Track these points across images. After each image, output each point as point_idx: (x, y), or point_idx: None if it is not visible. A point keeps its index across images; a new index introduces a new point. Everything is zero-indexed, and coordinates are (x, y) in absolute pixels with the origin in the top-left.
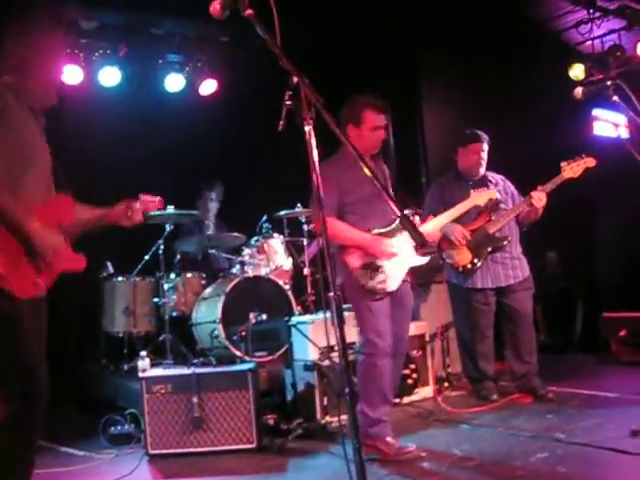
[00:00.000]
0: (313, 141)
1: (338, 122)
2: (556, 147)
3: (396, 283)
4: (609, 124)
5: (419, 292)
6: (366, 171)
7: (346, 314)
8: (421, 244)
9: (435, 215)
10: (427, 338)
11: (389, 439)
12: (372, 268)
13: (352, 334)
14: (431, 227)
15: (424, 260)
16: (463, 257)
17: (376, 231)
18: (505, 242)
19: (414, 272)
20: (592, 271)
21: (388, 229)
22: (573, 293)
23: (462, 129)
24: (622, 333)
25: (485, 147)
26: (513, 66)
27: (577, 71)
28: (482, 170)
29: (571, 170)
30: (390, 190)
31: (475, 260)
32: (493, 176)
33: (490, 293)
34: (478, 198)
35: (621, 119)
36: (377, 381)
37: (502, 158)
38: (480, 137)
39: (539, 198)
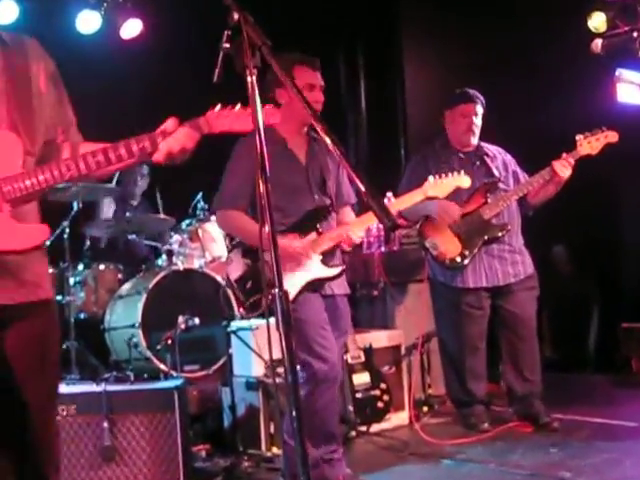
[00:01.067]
0: (257, 96)
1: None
2: (570, 116)
3: (292, 295)
4: (635, 88)
5: (393, 293)
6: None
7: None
8: (391, 227)
9: None
10: (403, 351)
11: None
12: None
13: None
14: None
15: (331, 273)
16: (450, 248)
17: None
18: (504, 231)
19: (389, 266)
20: (610, 271)
21: (292, 228)
22: (586, 297)
23: (451, 89)
24: None
25: (479, 110)
26: (517, 14)
27: (597, 21)
28: (474, 139)
29: (589, 145)
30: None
31: (466, 252)
32: (489, 148)
33: (484, 294)
34: (437, 187)
35: None
36: (318, 414)
37: (501, 130)
38: (472, 97)
39: (564, 166)
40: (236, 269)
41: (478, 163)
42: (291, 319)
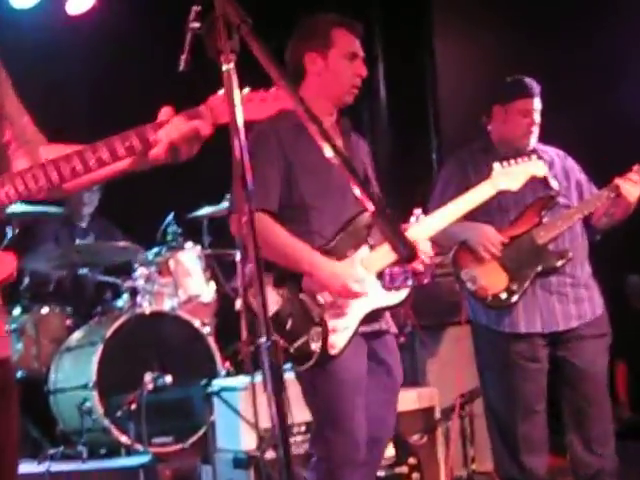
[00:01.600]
0: (236, 88)
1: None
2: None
3: (345, 340)
4: None
5: (424, 339)
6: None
7: (291, 376)
8: (407, 257)
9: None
10: (437, 415)
11: None
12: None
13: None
14: (423, 229)
15: (395, 299)
16: (494, 280)
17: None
18: (564, 259)
19: (419, 305)
20: None
21: (333, 244)
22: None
23: (496, 79)
24: None
25: (538, 105)
26: None
27: None
28: (534, 141)
29: None
30: (363, 173)
31: (514, 286)
32: (545, 150)
33: (540, 342)
34: (508, 176)
35: None
36: None
37: (557, 127)
38: (531, 89)
39: (633, 183)
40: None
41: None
42: (283, 375)
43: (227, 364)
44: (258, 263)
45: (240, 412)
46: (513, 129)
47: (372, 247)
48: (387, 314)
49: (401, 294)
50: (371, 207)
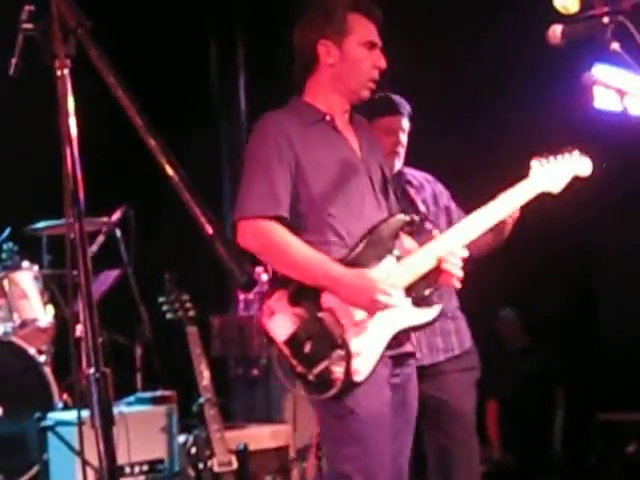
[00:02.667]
0: (70, 96)
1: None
2: (531, 130)
3: (371, 364)
4: (611, 91)
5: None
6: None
7: (123, 410)
8: (245, 285)
9: None
10: (292, 454)
11: None
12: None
13: (153, 446)
14: (460, 234)
15: (426, 317)
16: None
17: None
18: (431, 289)
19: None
20: (580, 345)
21: (354, 255)
22: (548, 381)
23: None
24: (631, 449)
25: (406, 124)
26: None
27: (567, 0)
28: (399, 163)
29: None
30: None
31: None
32: (413, 175)
33: None
34: (549, 176)
35: (631, 82)
36: None
37: (435, 148)
38: (398, 107)
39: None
40: (282, 324)
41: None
42: (112, 409)
43: (64, 396)
44: (87, 284)
45: (76, 449)
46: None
47: (398, 258)
48: (412, 335)
49: (433, 311)
50: (209, 229)
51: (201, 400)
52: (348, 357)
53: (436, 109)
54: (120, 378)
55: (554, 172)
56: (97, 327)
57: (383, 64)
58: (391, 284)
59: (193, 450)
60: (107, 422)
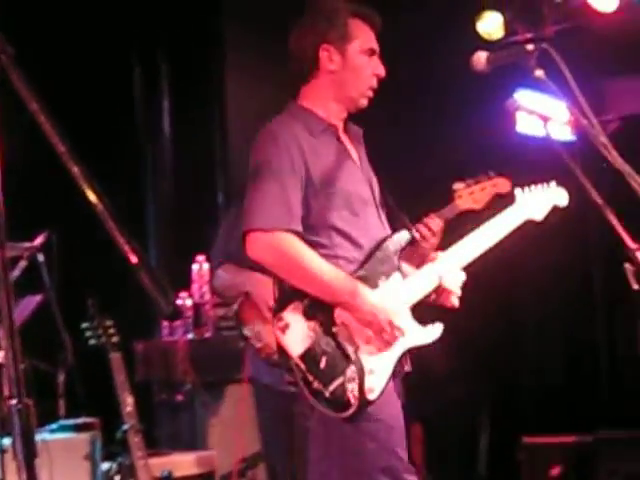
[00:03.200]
0: None
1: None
2: (452, 154)
3: (383, 382)
4: (534, 117)
5: (205, 398)
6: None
7: (45, 437)
8: (169, 314)
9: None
10: None
11: None
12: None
13: (76, 474)
14: (452, 260)
15: (431, 337)
16: None
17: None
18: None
19: (199, 360)
20: (504, 366)
21: (363, 272)
22: (472, 404)
23: None
24: (555, 471)
25: None
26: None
27: (491, 25)
28: None
29: (470, 197)
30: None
31: None
32: None
33: None
34: (532, 204)
35: (554, 108)
36: None
37: None
38: None
39: (429, 229)
40: (297, 339)
41: None
42: (34, 441)
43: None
44: (8, 310)
45: None
46: None
47: (404, 275)
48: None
49: (436, 329)
50: (133, 258)
51: (125, 427)
52: (361, 374)
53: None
54: (42, 405)
55: (536, 201)
56: (19, 353)
57: (382, 72)
58: (398, 304)
59: (117, 478)
60: (29, 454)
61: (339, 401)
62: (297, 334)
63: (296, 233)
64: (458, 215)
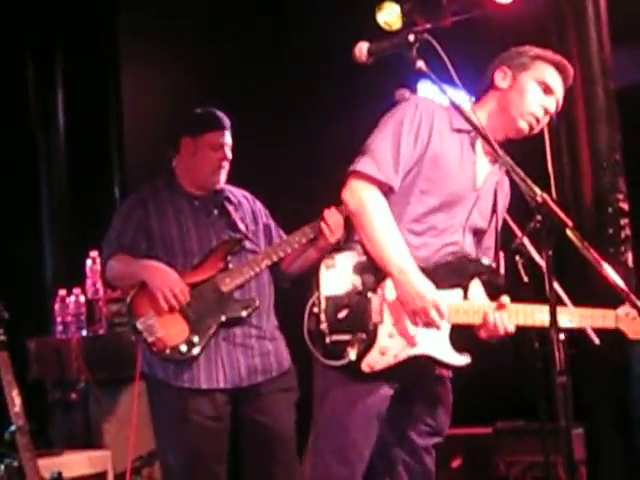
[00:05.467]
0: None
1: None
2: (346, 146)
3: (384, 365)
4: None
5: (99, 396)
6: None
7: None
8: None
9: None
10: (111, 479)
11: None
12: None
13: None
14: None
15: (455, 360)
16: (173, 331)
17: None
18: (250, 309)
19: (93, 358)
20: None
21: (432, 269)
22: None
23: (185, 111)
24: (456, 463)
25: (229, 139)
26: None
27: (389, 15)
28: (223, 178)
29: None
30: None
31: (194, 338)
32: (232, 192)
33: (222, 398)
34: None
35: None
36: None
37: (251, 166)
38: (222, 121)
39: (334, 219)
40: (334, 281)
41: (216, 212)
42: None
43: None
44: None
45: None
46: (202, 164)
47: (466, 296)
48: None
49: (463, 359)
50: None
51: (12, 428)
52: (368, 346)
53: (251, 125)
54: None
55: None
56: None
57: (551, 108)
58: (444, 313)
59: None
60: None
61: (333, 352)
62: (337, 278)
63: (381, 185)
64: None
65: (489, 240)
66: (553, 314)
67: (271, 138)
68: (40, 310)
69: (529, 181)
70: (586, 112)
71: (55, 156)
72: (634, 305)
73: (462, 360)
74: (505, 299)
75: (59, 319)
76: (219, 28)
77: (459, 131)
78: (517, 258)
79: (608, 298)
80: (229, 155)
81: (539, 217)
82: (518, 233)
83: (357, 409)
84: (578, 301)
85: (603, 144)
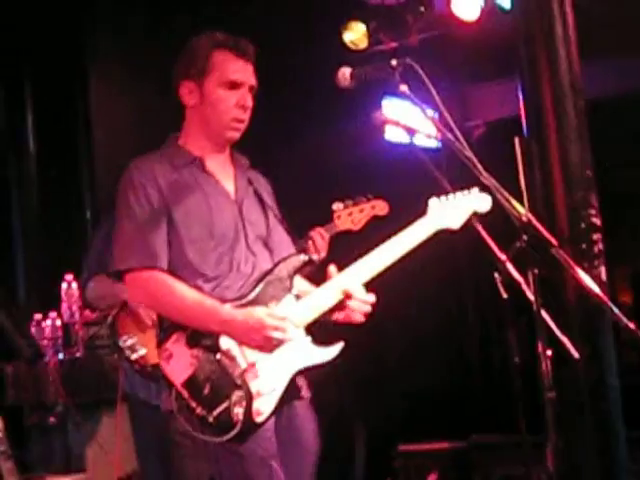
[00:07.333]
0: None
1: None
2: (323, 167)
3: (273, 404)
4: (400, 128)
5: (78, 419)
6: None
7: None
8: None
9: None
10: None
11: None
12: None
13: None
14: (356, 275)
15: (327, 355)
16: (155, 349)
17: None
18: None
19: (71, 381)
20: (372, 378)
21: (252, 297)
22: (347, 412)
23: (157, 133)
24: (432, 478)
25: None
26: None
27: (355, 34)
28: None
29: (349, 219)
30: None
31: None
32: None
33: None
34: (448, 212)
35: (420, 118)
36: None
37: None
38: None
39: (322, 238)
40: (180, 367)
41: None
42: None
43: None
44: None
45: None
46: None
47: (297, 297)
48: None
49: (333, 349)
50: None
51: None
52: (249, 398)
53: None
54: None
55: (453, 209)
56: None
57: (247, 102)
58: (289, 323)
59: None
60: None
61: (223, 425)
62: (180, 362)
63: (162, 270)
64: (336, 235)
65: (278, 235)
66: (542, 329)
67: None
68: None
69: (513, 201)
70: (557, 130)
71: (26, 180)
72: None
73: (334, 350)
74: (332, 269)
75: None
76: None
77: (184, 165)
78: (496, 275)
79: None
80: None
81: (524, 237)
82: (498, 252)
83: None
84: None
85: (574, 161)
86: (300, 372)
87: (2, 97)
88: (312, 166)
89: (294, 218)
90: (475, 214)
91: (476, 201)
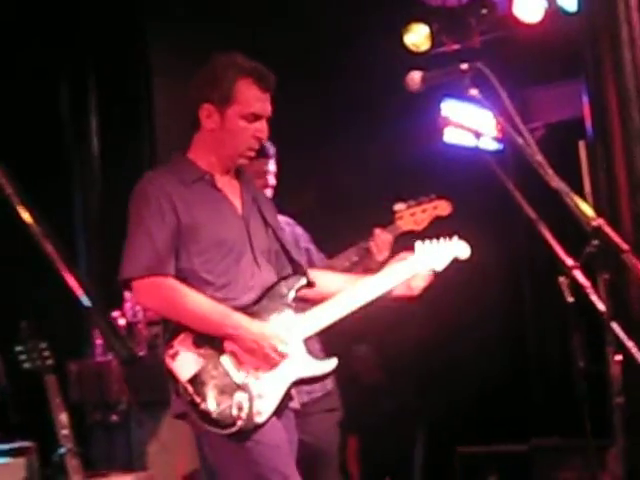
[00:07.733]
0: None
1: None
2: (383, 170)
3: (273, 406)
4: (464, 130)
5: (141, 418)
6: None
7: None
8: (127, 360)
9: None
10: None
11: None
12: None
13: None
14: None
15: (324, 369)
16: None
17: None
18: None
19: (134, 380)
20: (435, 378)
21: (255, 308)
22: (406, 416)
23: None
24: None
25: (273, 167)
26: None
27: (417, 37)
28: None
29: (412, 219)
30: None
31: None
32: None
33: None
34: (432, 256)
35: (483, 120)
36: None
37: (288, 189)
38: (266, 149)
39: (384, 241)
40: (186, 365)
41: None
42: None
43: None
44: None
45: None
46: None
47: (297, 311)
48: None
49: (329, 364)
50: (88, 304)
51: (62, 450)
52: (250, 398)
53: (291, 146)
54: None
55: (436, 253)
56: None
57: (264, 135)
58: (284, 338)
59: None
60: None
61: (226, 421)
62: (186, 360)
63: (171, 276)
64: (399, 236)
65: (277, 252)
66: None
67: (304, 155)
68: (79, 333)
69: (583, 206)
70: (622, 133)
71: (89, 181)
72: None
73: (329, 365)
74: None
75: (99, 342)
76: (250, 42)
77: (195, 181)
78: (562, 280)
79: None
80: (272, 182)
81: (595, 242)
82: (565, 258)
83: (265, 452)
84: None
85: (639, 165)
86: (296, 383)
87: (67, 100)
88: (373, 166)
89: (356, 219)
90: (456, 260)
91: (457, 248)
